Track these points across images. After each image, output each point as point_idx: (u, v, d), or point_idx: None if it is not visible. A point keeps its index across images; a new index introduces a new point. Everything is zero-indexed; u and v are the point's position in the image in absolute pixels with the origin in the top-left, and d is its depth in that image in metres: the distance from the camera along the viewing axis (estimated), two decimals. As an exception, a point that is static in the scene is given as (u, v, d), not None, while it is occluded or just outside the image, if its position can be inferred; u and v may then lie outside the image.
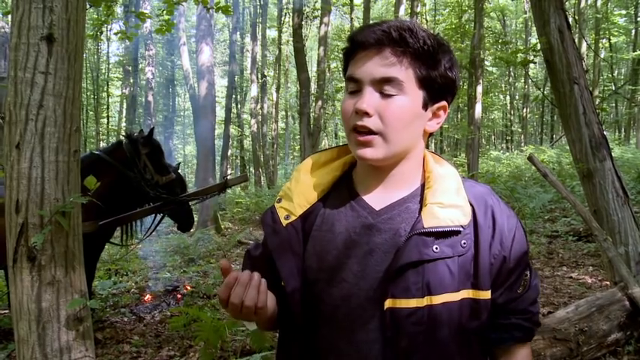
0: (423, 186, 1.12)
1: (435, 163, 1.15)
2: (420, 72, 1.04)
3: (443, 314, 1.03)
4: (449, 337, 1.04)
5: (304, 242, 1.12)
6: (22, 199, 1.78)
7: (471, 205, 1.08)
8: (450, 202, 1.07)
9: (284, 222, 1.13)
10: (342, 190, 1.16)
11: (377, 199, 1.11)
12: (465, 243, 1.05)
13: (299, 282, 1.09)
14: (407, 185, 1.12)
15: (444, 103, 1.09)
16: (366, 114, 1.02)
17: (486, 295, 1.06)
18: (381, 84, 1.02)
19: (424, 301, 1.02)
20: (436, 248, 1.03)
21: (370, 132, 1.03)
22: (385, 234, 1.07)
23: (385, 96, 1.03)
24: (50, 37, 1.77)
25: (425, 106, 1.07)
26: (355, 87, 1.05)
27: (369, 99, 1.02)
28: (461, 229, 1.05)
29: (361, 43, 1.05)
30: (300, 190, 1.16)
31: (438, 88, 1.06)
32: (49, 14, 1.77)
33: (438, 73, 1.05)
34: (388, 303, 1.02)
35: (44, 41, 1.77)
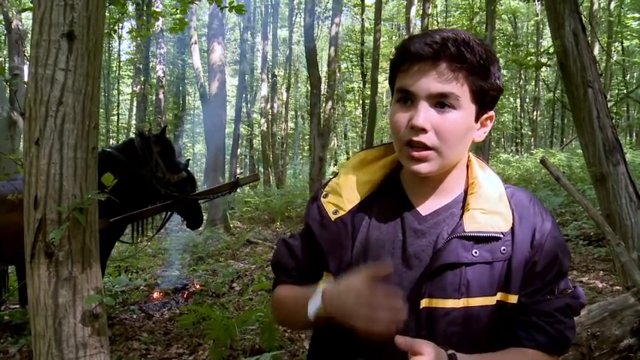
0: (466, 192, 1.13)
1: (479, 169, 1.16)
2: (475, 86, 1.03)
3: (478, 316, 1.04)
4: (481, 339, 1.05)
5: (353, 238, 1.13)
6: (41, 194, 1.79)
7: (511, 211, 1.09)
8: (491, 208, 1.08)
9: (332, 216, 1.14)
10: (391, 190, 1.17)
11: (424, 204, 1.13)
12: (504, 249, 1.06)
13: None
14: (452, 192, 1.13)
15: (491, 113, 1.10)
16: (423, 130, 1.01)
17: (514, 298, 1.07)
18: (437, 98, 1.01)
19: (460, 303, 1.03)
20: (475, 252, 1.04)
21: (426, 147, 1.02)
22: (429, 237, 1.09)
23: (441, 111, 1.02)
24: (71, 35, 1.78)
25: (477, 119, 1.07)
26: (407, 98, 1.04)
27: (426, 115, 1.01)
28: (501, 235, 1.06)
29: (415, 55, 1.01)
30: (349, 185, 1.16)
31: (488, 100, 1.07)
32: (70, 11, 1.78)
33: (490, 85, 1.04)
34: (424, 302, 1.04)
35: (65, 38, 1.78)
